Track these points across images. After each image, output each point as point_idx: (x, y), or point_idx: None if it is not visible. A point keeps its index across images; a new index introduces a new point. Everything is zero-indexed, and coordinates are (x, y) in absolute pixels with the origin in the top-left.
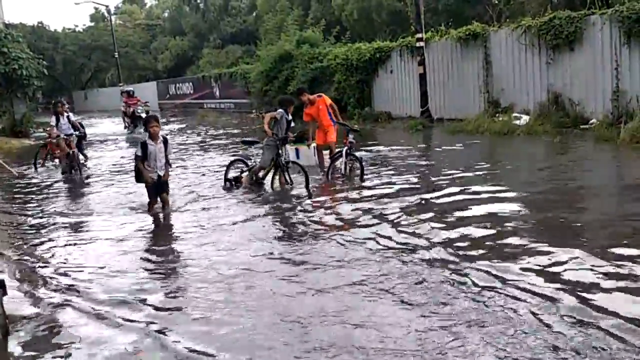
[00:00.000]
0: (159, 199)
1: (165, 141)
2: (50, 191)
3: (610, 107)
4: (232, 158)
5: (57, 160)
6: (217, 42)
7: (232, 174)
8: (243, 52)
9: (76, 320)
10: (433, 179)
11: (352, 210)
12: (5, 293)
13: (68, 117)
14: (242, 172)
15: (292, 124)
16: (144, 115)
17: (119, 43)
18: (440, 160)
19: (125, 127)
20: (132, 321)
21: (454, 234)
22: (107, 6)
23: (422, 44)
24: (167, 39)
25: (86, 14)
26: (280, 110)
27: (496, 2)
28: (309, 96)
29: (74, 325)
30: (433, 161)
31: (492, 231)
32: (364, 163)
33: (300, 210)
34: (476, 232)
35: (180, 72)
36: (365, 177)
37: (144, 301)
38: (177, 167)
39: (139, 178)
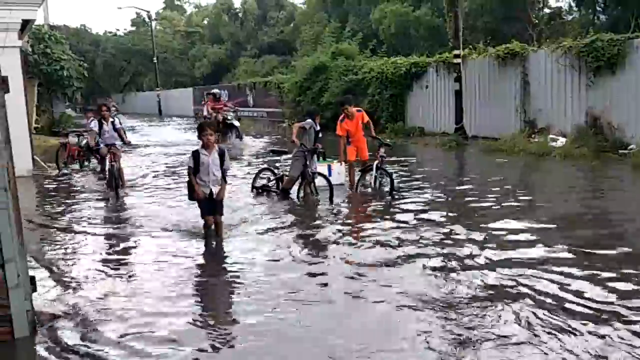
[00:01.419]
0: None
1: (222, 153)
2: (90, 197)
3: None
4: (260, 166)
5: (77, 164)
6: (254, 52)
7: (259, 182)
8: (279, 62)
9: (102, 325)
10: (470, 202)
11: (385, 229)
12: (35, 289)
13: (113, 122)
14: (269, 180)
15: (320, 135)
16: (236, 123)
17: (158, 48)
18: (477, 179)
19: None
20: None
21: (492, 256)
22: (148, 12)
23: (459, 60)
24: (205, 47)
25: (127, 19)
26: (308, 120)
27: (536, 21)
28: (351, 109)
29: (99, 330)
30: (469, 179)
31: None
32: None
33: (336, 229)
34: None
35: (217, 80)
36: (395, 192)
37: (162, 327)
38: None
39: (192, 194)
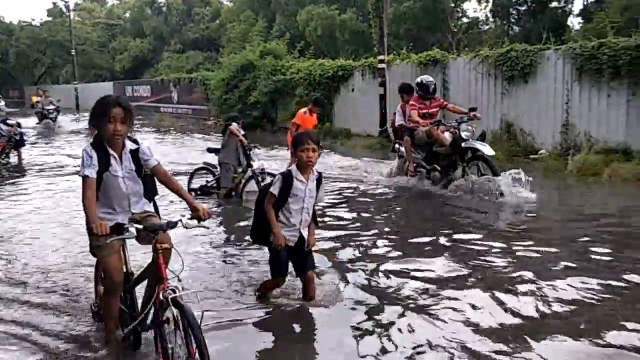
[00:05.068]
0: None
1: (319, 178)
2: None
3: (559, 139)
4: (196, 166)
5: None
6: (178, 47)
7: (196, 183)
8: (204, 58)
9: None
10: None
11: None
12: None
13: (136, 152)
14: (207, 182)
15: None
16: (481, 146)
17: (76, 40)
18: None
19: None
20: None
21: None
22: (66, 1)
23: (384, 65)
24: (126, 40)
25: (44, 8)
26: (234, 124)
27: (455, 30)
28: (314, 113)
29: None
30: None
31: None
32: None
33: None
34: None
35: (138, 75)
36: (325, 195)
37: None
38: None
39: (261, 235)
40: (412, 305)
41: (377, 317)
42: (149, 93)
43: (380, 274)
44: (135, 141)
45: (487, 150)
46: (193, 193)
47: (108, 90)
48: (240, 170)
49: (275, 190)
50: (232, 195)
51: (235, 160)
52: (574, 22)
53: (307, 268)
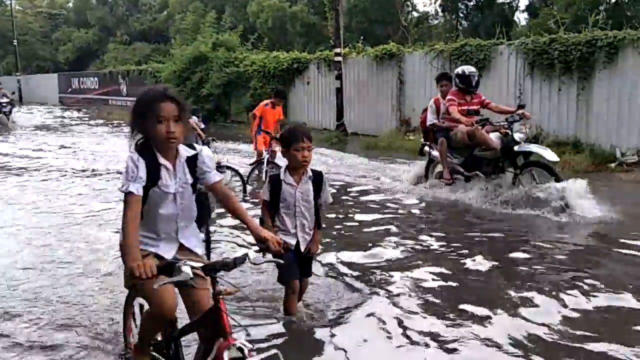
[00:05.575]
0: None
1: (317, 179)
2: None
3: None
4: None
5: None
6: (124, 38)
7: None
8: (151, 50)
9: None
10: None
11: None
12: None
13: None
14: None
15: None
16: (542, 151)
17: (18, 30)
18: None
19: None
20: None
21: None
22: None
23: (340, 58)
24: (70, 30)
25: None
26: (193, 117)
27: (405, 24)
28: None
29: None
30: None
31: None
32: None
33: None
34: None
35: (83, 66)
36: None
37: None
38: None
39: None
40: (421, 313)
41: (382, 321)
42: (96, 85)
43: (404, 286)
44: (191, 146)
45: (549, 155)
46: None
47: (53, 81)
48: None
49: (265, 196)
50: None
51: None
52: (521, 17)
53: (303, 274)
